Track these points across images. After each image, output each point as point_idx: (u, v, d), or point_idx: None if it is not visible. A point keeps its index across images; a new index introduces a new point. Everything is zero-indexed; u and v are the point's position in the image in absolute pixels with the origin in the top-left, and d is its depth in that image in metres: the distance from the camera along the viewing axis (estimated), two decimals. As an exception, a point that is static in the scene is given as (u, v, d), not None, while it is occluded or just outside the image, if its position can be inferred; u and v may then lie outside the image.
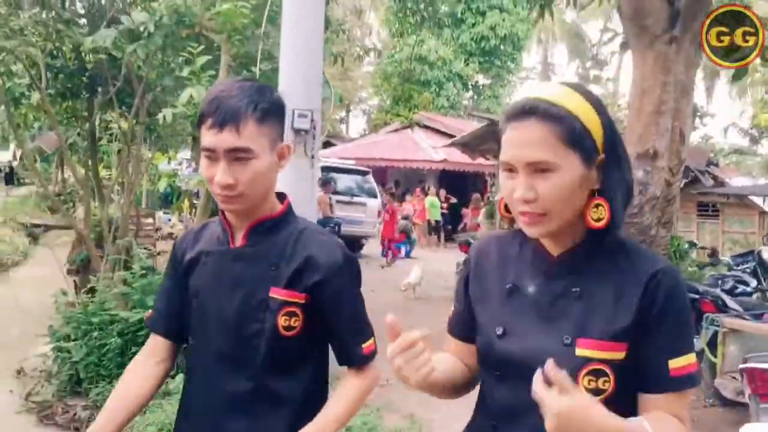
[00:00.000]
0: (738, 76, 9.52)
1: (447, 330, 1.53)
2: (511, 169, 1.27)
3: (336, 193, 14.05)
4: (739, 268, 7.40)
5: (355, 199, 14.78)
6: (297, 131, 4.73)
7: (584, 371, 1.24)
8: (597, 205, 1.28)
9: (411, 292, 10.05)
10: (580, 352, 1.25)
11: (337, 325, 1.64)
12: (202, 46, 5.31)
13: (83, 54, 6.71)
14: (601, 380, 1.24)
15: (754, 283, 7.03)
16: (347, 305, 1.65)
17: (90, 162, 9.10)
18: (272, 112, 1.57)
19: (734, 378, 5.05)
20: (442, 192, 19.68)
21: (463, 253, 9.55)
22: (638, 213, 7.11)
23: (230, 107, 1.50)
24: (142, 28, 5.72)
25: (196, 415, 1.67)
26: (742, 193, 11.84)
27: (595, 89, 41.16)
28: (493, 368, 1.36)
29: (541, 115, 1.24)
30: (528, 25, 29.30)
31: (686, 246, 9.49)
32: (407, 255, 15.56)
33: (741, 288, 6.67)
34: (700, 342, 5.36)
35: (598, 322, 1.27)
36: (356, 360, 1.66)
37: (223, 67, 5.88)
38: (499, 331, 1.34)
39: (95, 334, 5.57)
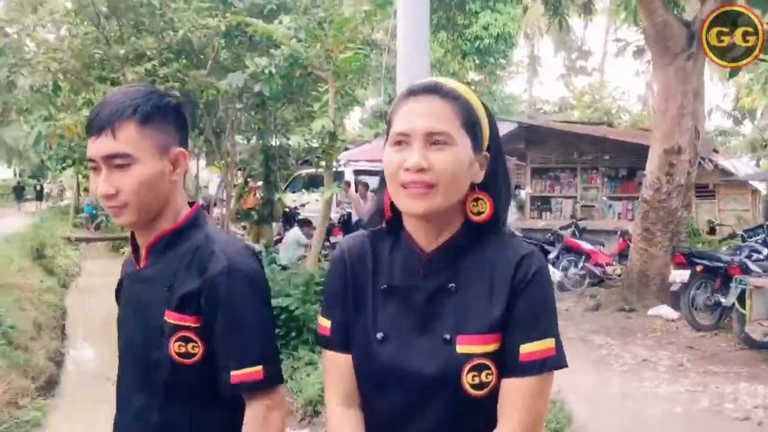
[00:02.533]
0: (734, 74, 10.94)
1: (326, 345, 1.37)
2: (403, 142, 1.25)
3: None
4: (751, 240, 8.83)
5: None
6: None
7: (467, 367, 1.23)
8: (477, 199, 1.28)
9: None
10: (461, 349, 1.23)
11: (216, 345, 1.42)
12: (325, 87, 6.62)
13: (202, 92, 7.96)
14: (484, 374, 1.23)
15: (765, 251, 8.48)
16: (224, 321, 1.41)
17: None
18: (158, 114, 1.43)
19: (761, 324, 6.48)
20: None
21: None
22: (667, 198, 8.55)
23: (108, 112, 1.39)
24: (266, 71, 7.02)
25: None
26: (748, 180, 13.30)
27: (582, 79, 41.79)
28: (373, 376, 1.30)
29: (443, 94, 1.26)
30: (518, 22, 30.64)
31: (704, 225, 10.91)
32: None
33: (755, 256, 8.11)
34: (731, 298, 6.78)
35: (475, 316, 1.25)
36: (223, 389, 1.41)
37: (330, 98, 7.21)
38: (380, 336, 1.29)
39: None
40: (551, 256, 10.52)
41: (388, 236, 1.36)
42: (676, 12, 8.61)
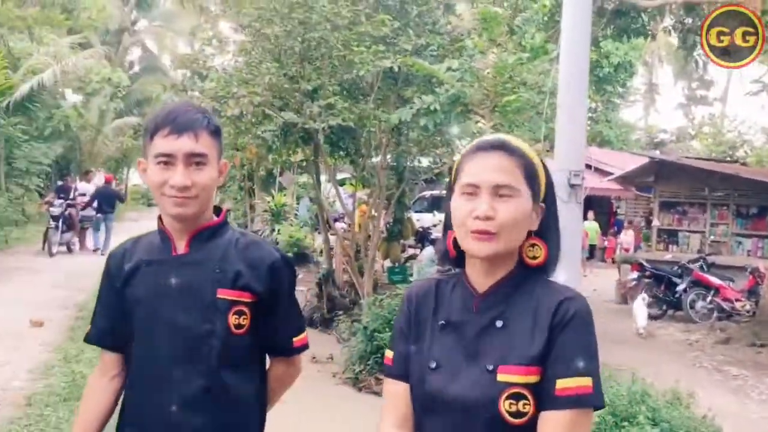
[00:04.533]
0: None
1: (388, 374, 1.52)
2: (472, 193, 1.38)
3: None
4: None
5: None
6: (572, 185, 6.70)
7: (504, 395, 1.32)
8: (533, 245, 1.42)
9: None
10: (501, 377, 1.33)
11: (275, 319, 1.74)
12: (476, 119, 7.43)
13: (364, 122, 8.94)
14: (521, 403, 1.31)
15: None
16: (284, 301, 1.77)
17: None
18: (219, 131, 1.71)
19: None
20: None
21: (635, 272, 11.27)
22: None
23: (188, 118, 1.63)
24: (431, 107, 7.88)
25: (147, 421, 1.69)
26: None
27: (702, 109, 40.54)
28: (424, 401, 1.42)
29: (508, 150, 1.40)
30: (640, 51, 30.36)
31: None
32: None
33: None
34: None
35: (517, 350, 1.35)
36: (288, 351, 1.80)
37: (488, 132, 7.99)
38: (432, 365, 1.41)
39: (399, 326, 7.63)
40: (679, 288, 10.85)
41: (452, 278, 1.50)
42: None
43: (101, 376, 1.80)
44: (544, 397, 1.32)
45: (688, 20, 12.30)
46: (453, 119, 8.37)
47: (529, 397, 1.32)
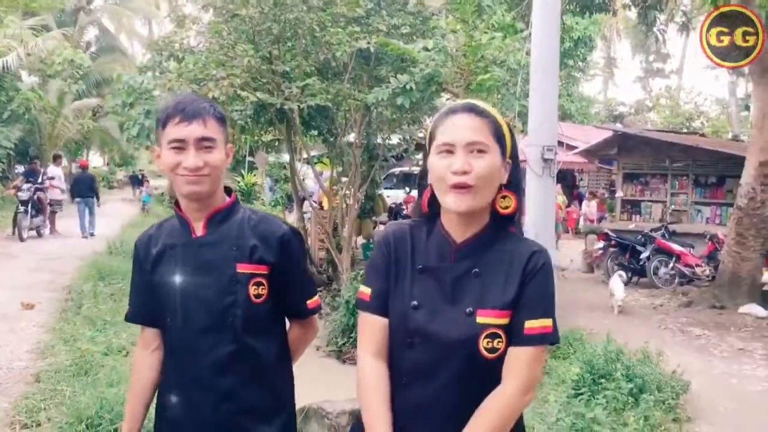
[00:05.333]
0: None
1: (366, 309, 1.65)
2: (449, 151, 1.52)
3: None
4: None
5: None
6: (545, 160, 7.01)
7: (484, 334, 1.52)
8: (504, 197, 1.58)
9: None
10: (480, 320, 1.52)
11: (289, 285, 1.91)
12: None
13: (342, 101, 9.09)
14: (496, 341, 1.52)
15: None
16: (297, 269, 1.94)
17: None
18: (224, 118, 1.86)
19: None
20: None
21: (601, 241, 11.74)
22: (761, 207, 9.25)
23: (196, 107, 1.78)
24: (407, 86, 8.08)
25: (185, 385, 1.86)
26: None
27: (660, 82, 41.06)
28: (405, 336, 1.58)
29: (477, 111, 1.54)
30: (599, 26, 30.76)
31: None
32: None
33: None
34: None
35: (493, 295, 1.54)
36: (303, 313, 1.99)
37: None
38: (414, 304, 1.57)
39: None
40: (643, 255, 11.32)
41: (425, 226, 1.65)
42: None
43: (144, 349, 1.97)
44: (514, 335, 1.53)
45: (648, -4, 12.65)
46: (428, 98, 8.59)
47: (502, 335, 1.52)
